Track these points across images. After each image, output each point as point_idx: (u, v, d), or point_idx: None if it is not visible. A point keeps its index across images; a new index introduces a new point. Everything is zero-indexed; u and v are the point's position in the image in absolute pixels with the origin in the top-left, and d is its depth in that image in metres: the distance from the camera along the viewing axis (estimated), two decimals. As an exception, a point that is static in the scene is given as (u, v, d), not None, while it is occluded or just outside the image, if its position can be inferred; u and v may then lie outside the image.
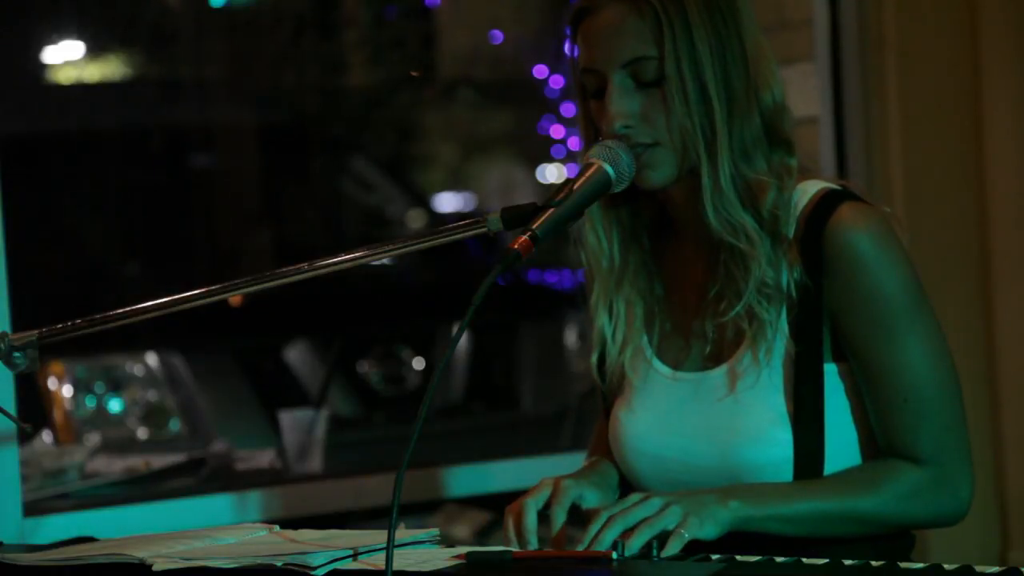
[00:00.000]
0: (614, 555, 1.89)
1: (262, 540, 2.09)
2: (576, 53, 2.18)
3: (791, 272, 2.12)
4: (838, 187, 2.18)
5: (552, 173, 7.07)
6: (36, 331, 2.23)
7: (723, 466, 2.14)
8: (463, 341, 5.18)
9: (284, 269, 2.14)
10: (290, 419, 3.83)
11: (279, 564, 1.87)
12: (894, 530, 2.15)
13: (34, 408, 4.50)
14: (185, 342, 4.80)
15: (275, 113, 6.35)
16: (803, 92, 3.80)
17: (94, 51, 5.77)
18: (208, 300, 2.16)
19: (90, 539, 2.22)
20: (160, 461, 3.72)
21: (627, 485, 2.28)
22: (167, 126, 5.90)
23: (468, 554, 1.91)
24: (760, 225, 2.12)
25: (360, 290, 5.50)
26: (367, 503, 3.68)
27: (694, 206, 2.16)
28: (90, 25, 5.66)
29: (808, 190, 2.16)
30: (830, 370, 2.14)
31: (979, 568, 1.80)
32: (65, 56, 5.64)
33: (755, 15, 2.17)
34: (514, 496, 2.17)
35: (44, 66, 5.59)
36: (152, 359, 4.76)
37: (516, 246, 1.96)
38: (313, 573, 1.85)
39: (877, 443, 2.15)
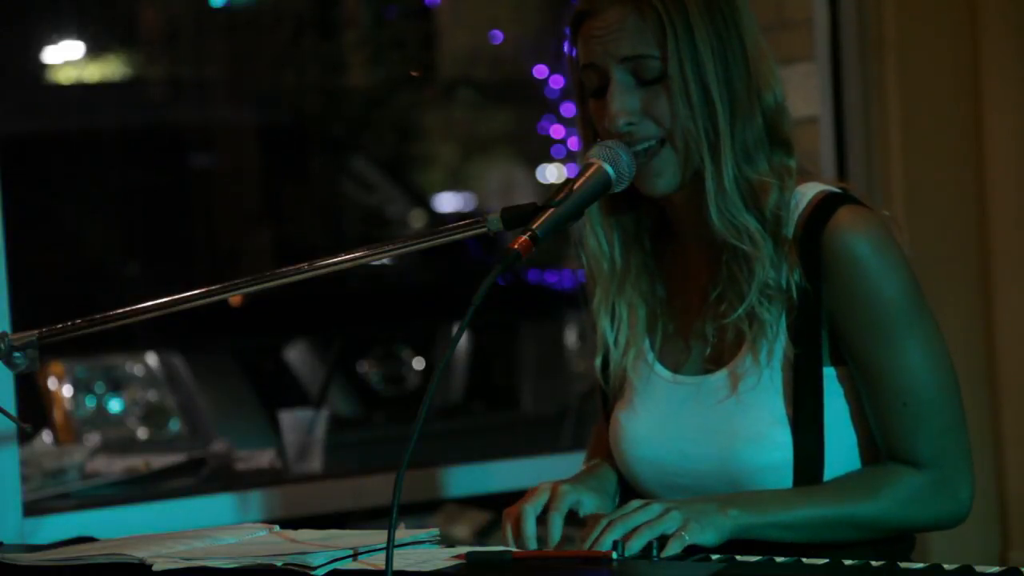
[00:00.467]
0: (614, 555, 1.89)
1: (262, 540, 2.09)
2: (576, 53, 2.18)
3: (791, 274, 2.12)
4: (837, 190, 2.18)
5: (552, 173, 7.06)
6: (36, 331, 2.23)
7: (723, 469, 2.14)
8: (463, 341, 5.18)
9: (284, 269, 2.14)
10: (290, 419, 3.83)
11: (279, 564, 1.87)
12: (894, 534, 2.15)
13: (34, 408, 4.50)
14: (185, 342, 4.81)
15: (275, 113, 6.36)
16: (803, 92, 3.80)
17: (94, 51, 5.77)
18: (208, 300, 2.16)
19: (90, 539, 2.22)
20: (160, 461, 3.71)
21: (626, 489, 2.28)
22: (167, 126, 5.90)
23: (468, 554, 1.90)
24: (763, 226, 2.12)
25: (360, 290, 5.50)
26: (367, 503, 3.68)
27: (696, 208, 2.15)
28: (90, 25, 5.66)
29: (807, 192, 2.16)
30: (829, 374, 2.13)
31: (979, 568, 1.80)
32: (65, 56, 5.64)
33: (755, 15, 2.17)
34: (514, 496, 2.16)
35: (44, 66, 5.60)
36: (152, 359, 4.76)
37: (516, 246, 1.95)
38: (313, 573, 1.85)
39: (877, 446, 2.15)
